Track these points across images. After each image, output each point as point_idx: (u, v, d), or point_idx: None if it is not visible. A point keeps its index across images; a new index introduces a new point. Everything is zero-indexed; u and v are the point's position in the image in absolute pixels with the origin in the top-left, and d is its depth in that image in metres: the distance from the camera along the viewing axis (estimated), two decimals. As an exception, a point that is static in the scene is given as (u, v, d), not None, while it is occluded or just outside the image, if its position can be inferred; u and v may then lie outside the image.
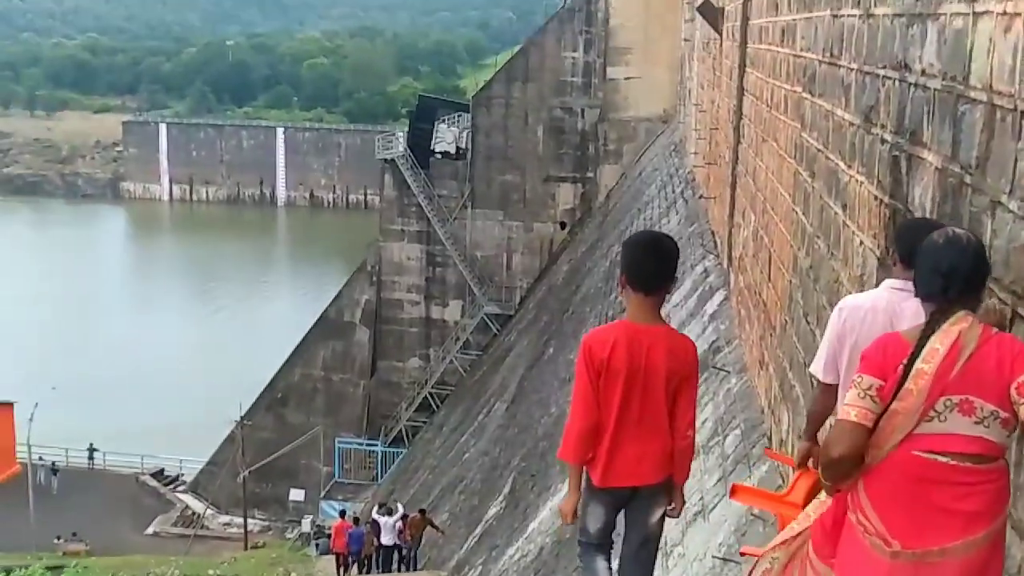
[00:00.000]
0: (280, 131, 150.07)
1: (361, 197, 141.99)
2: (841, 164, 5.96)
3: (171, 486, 47.45)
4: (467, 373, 43.06)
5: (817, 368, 4.06)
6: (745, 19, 12.55)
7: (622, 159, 43.10)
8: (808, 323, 6.81)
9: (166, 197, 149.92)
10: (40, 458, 46.85)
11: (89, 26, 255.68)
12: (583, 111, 43.34)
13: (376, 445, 43.79)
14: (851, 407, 3.24)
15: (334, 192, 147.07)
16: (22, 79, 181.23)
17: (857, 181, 5.53)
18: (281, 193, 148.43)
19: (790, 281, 7.80)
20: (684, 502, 5.08)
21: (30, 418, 41.33)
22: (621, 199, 37.79)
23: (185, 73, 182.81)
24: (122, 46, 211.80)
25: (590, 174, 43.53)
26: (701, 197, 20.03)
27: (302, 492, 43.87)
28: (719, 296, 14.15)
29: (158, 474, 48.25)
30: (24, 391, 49.19)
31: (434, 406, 43.50)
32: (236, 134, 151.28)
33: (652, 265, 4.76)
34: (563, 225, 43.77)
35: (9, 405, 49.21)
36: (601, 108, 43.05)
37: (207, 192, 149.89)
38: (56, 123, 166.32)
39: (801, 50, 7.73)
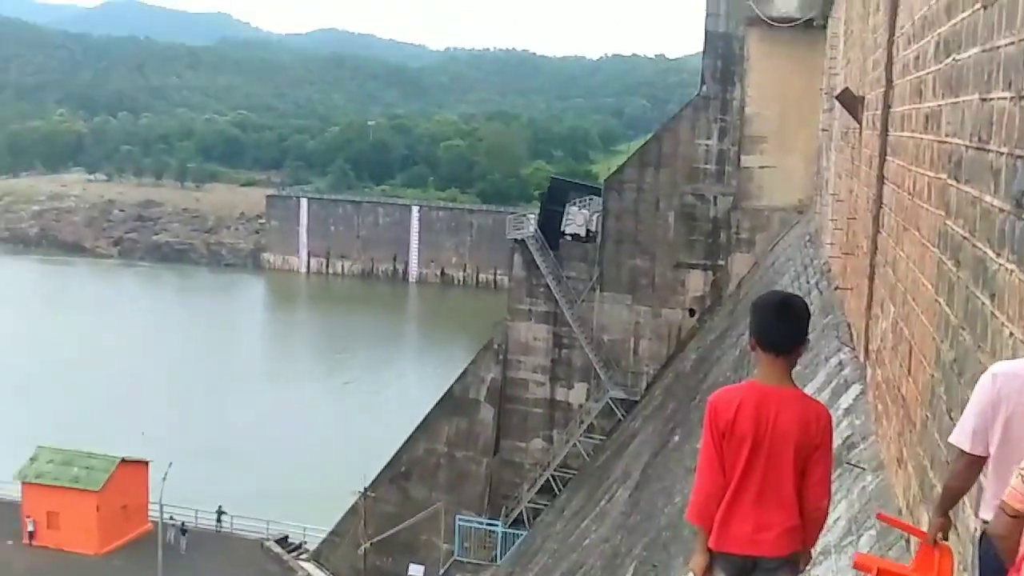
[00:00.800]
0: (415, 209, 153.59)
1: (491, 276, 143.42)
2: (989, 252, 5.77)
3: (294, 553, 48.05)
4: (590, 457, 42.64)
5: (962, 438, 3.77)
6: (886, 107, 12.36)
7: (754, 248, 42.57)
8: (951, 419, 6.54)
9: (304, 269, 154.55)
10: (171, 517, 48.11)
11: (240, 103, 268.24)
12: (716, 199, 43.09)
13: (497, 525, 43.53)
14: (1010, 486, 3.13)
15: (464, 270, 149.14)
16: (175, 152, 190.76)
17: (1007, 269, 5.33)
18: (413, 269, 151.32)
19: (932, 375, 7.53)
20: (810, 559, 4.86)
21: (163, 478, 42.47)
22: (753, 288, 37.24)
23: (327, 151, 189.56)
24: (270, 123, 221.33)
25: (721, 262, 43.09)
26: (837, 288, 19.58)
27: (421, 568, 43.85)
28: (855, 390, 13.73)
29: (282, 541, 48.97)
30: (159, 451, 50.87)
31: (556, 489, 43.10)
32: (373, 211, 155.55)
33: (782, 324, 4.61)
34: (692, 312, 43.29)
35: (144, 464, 50.97)
36: (734, 196, 42.73)
37: (343, 266, 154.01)
38: (204, 194, 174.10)
39: (946, 136, 7.57)
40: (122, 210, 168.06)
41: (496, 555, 42.99)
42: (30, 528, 48.38)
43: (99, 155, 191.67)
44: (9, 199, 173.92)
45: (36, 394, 79.57)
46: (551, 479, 43.59)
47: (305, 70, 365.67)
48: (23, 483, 49.06)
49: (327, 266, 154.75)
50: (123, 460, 49.76)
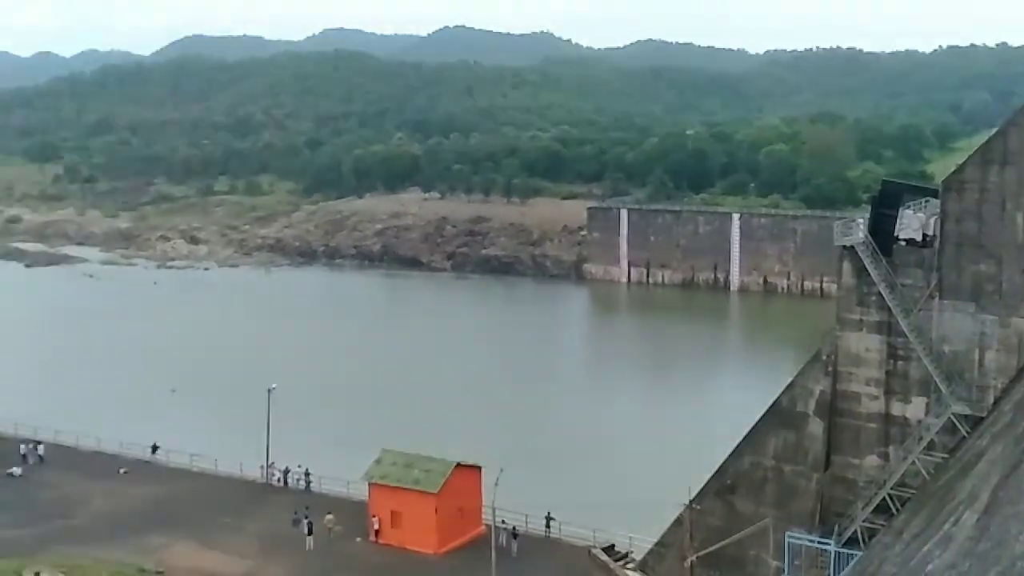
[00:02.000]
0: (735, 217, 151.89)
1: (817, 284, 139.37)
2: None
3: (621, 562, 48.45)
4: (931, 476, 40.06)
5: None
6: None
7: (1121, 250, 38.44)
8: None
9: (624, 279, 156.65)
10: (503, 521, 49.84)
11: (561, 119, 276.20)
12: (1073, 196, 39.30)
13: (829, 544, 41.86)
14: None
15: (789, 279, 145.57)
16: (502, 169, 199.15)
17: None
18: (735, 278, 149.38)
19: None
20: None
21: (495, 483, 44.13)
22: (1119, 294, 33.65)
23: (646, 161, 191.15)
24: (590, 137, 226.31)
25: (1081, 266, 39.23)
26: None
27: (748, 584, 42.94)
28: None
29: (609, 548, 49.51)
30: (490, 456, 52.99)
31: (893, 508, 40.82)
32: (692, 220, 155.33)
33: None
34: (1047, 320, 39.69)
35: (477, 468, 53.29)
36: (1095, 192, 38.81)
37: (663, 276, 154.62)
38: (529, 209, 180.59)
39: None
40: (454, 226, 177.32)
41: (828, 575, 41.39)
42: (376, 526, 51.83)
43: (433, 175, 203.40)
44: (355, 219, 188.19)
45: (380, 398, 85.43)
46: (888, 498, 41.35)
47: (623, 83, 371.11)
48: (369, 483, 52.66)
49: (647, 276, 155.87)
50: (458, 464, 52.21)
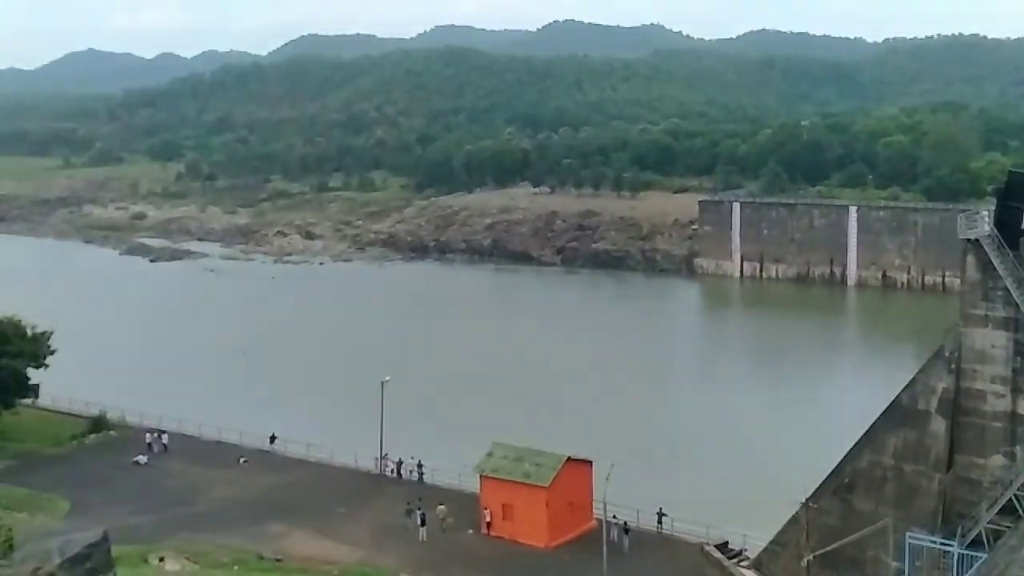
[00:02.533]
0: (853, 210, 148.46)
1: (938, 279, 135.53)
2: None
3: (735, 560, 47.79)
4: (1060, 477, 38.52)
5: None
6: None
7: None
8: None
9: (737, 274, 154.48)
10: (614, 516, 49.58)
11: (672, 112, 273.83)
12: None
13: (952, 545, 40.62)
14: None
15: (909, 273, 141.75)
16: (611, 162, 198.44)
17: None
18: (852, 273, 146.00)
19: None
20: None
21: (607, 477, 43.94)
22: None
23: (759, 154, 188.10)
24: (701, 130, 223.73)
25: None
26: None
27: (866, 585, 41.90)
28: None
29: (722, 546, 48.86)
30: (600, 451, 52.78)
31: (1020, 510, 39.41)
32: (807, 213, 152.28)
33: None
34: None
35: (588, 463, 53.14)
36: None
37: (776, 270, 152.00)
38: (639, 203, 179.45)
39: None
40: (564, 220, 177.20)
41: (952, 577, 40.15)
42: (487, 518, 52.14)
43: (543, 169, 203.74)
44: (466, 213, 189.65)
45: (492, 390, 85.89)
46: (1014, 499, 39.92)
47: (735, 74, 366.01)
48: (481, 476, 53.00)
49: (760, 270, 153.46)
50: (569, 458, 52.15)
